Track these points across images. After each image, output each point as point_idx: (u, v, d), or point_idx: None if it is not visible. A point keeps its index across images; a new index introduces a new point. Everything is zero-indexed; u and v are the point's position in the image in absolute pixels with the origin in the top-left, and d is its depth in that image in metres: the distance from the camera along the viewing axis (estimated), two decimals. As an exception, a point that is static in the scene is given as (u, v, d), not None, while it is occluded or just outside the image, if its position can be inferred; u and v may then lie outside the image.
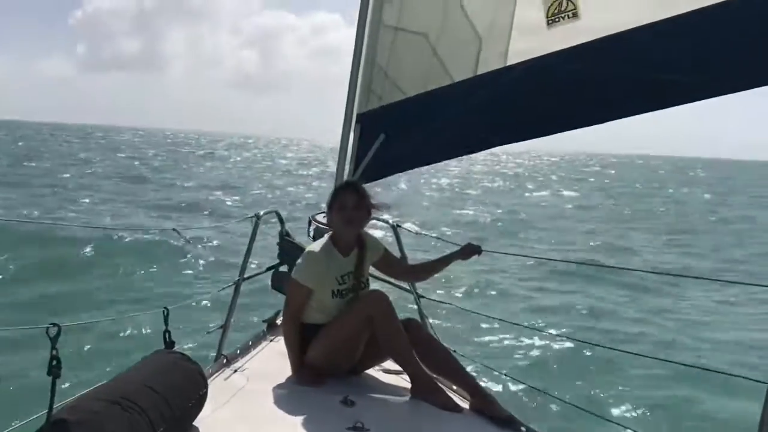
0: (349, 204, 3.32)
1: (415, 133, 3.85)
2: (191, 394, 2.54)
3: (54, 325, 1.91)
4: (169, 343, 2.84)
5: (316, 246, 3.38)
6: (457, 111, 3.60)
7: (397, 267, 3.68)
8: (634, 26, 2.78)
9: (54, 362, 1.92)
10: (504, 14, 3.23)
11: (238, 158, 67.32)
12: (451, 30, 3.54)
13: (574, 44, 2.97)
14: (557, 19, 2.99)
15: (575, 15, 2.94)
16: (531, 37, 3.13)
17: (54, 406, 1.94)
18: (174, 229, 3.55)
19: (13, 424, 2.39)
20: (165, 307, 2.84)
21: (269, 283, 4.31)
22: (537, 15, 3.06)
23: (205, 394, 2.64)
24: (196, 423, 2.57)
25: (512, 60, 3.23)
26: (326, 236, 3.45)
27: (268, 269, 4.34)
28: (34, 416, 2.19)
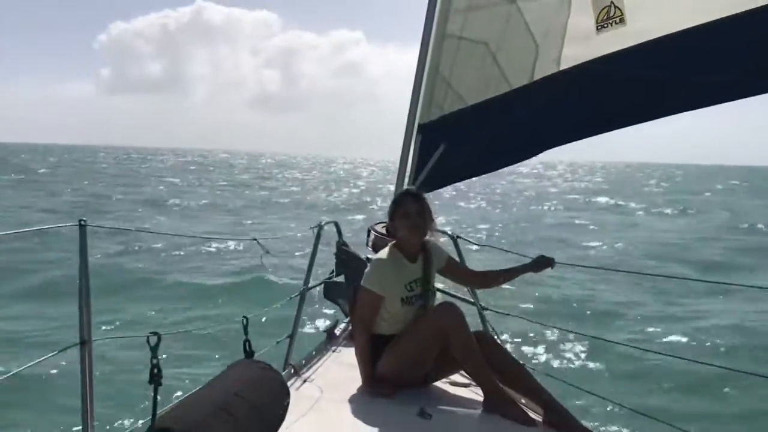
0: (413, 211, 3.34)
1: (474, 142, 3.88)
2: (278, 404, 2.54)
3: (154, 333, 1.92)
4: (249, 353, 2.85)
5: (383, 254, 3.40)
6: (515, 117, 3.65)
7: (464, 272, 3.66)
8: (677, 30, 2.88)
9: (155, 370, 1.92)
10: (559, 22, 3.31)
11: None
12: (511, 38, 3.57)
13: (621, 48, 3.08)
14: (606, 25, 3.11)
15: (622, 21, 3.06)
16: (582, 43, 3.23)
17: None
18: (255, 239, 3.63)
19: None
20: (244, 317, 2.86)
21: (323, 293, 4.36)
22: (588, 22, 3.16)
23: (288, 404, 2.65)
24: None
25: (564, 65, 3.31)
26: (390, 245, 3.46)
27: (327, 280, 4.39)
28: (138, 423, 2.22)
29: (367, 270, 3.39)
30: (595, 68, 3.17)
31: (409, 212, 3.34)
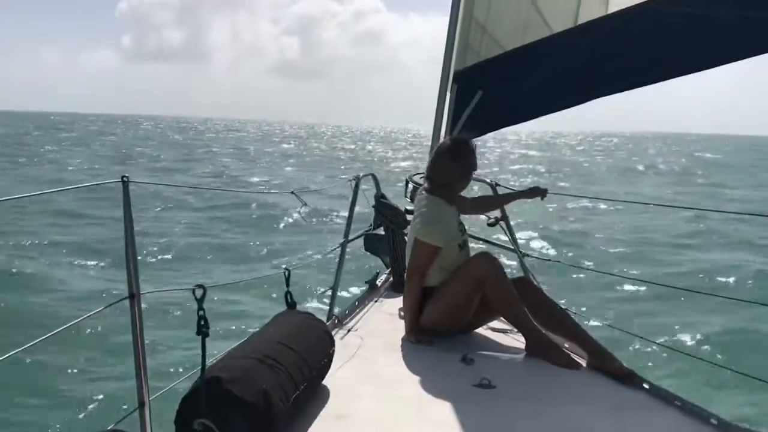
0: (474, 163, 3.34)
1: (513, 89, 3.77)
2: (323, 353, 2.59)
3: (200, 286, 1.93)
4: (291, 304, 2.89)
5: (431, 206, 3.35)
6: (558, 63, 3.48)
7: (463, 201, 3.64)
8: None
9: (202, 322, 1.94)
10: None
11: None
12: None
13: None
14: None
15: None
16: None
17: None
18: (293, 192, 3.64)
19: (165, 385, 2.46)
20: (286, 268, 2.88)
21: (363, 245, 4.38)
22: None
23: (333, 352, 2.70)
24: (324, 382, 2.62)
25: (614, 6, 3.08)
26: (429, 194, 3.39)
27: (367, 231, 4.40)
28: (188, 374, 2.30)
29: (421, 222, 3.32)
30: (650, 9, 2.92)
31: (473, 164, 3.34)
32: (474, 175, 3.46)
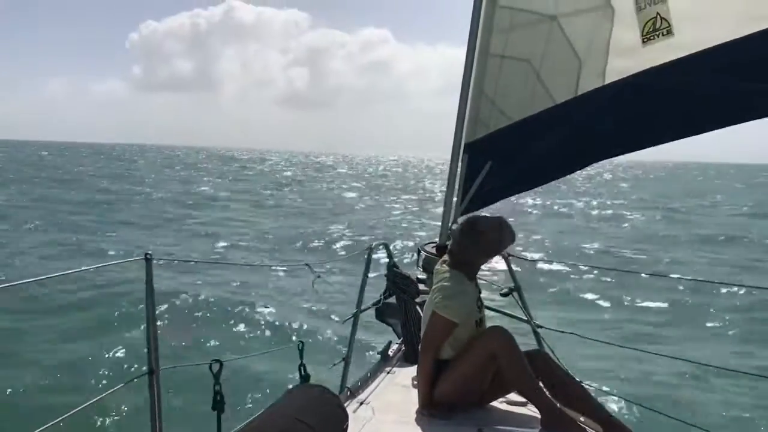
0: (498, 240, 3.39)
1: (520, 158, 3.88)
2: (337, 427, 2.58)
3: (216, 361, 1.98)
4: (305, 376, 2.88)
5: (454, 281, 3.36)
6: (561, 131, 3.63)
7: None
8: (728, 40, 2.79)
9: (218, 397, 1.99)
10: (602, 36, 3.28)
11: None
12: (553, 54, 3.58)
13: (669, 60, 3.00)
14: (652, 37, 3.04)
15: (669, 32, 2.98)
16: (627, 56, 3.18)
17: None
18: (306, 264, 3.69)
19: None
20: (300, 341, 2.90)
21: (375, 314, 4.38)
22: (632, 34, 3.11)
23: (347, 428, 2.68)
24: None
25: (610, 78, 3.27)
26: (452, 270, 3.40)
27: (379, 301, 4.40)
28: None
29: (441, 297, 3.31)
30: (643, 81, 3.11)
31: (493, 242, 3.38)
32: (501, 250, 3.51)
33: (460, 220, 3.50)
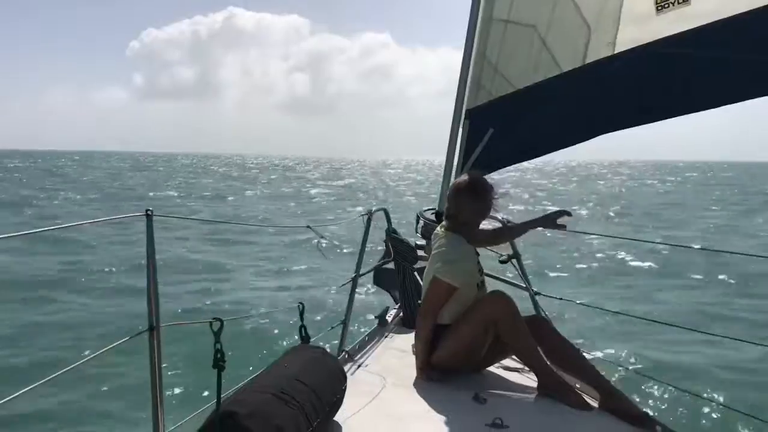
0: (492, 202, 3.35)
1: (523, 126, 3.82)
2: (336, 389, 2.60)
3: (217, 319, 1.97)
4: (305, 338, 2.90)
5: (453, 244, 3.34)
6: (565, 101, 3.55)
7: (477, 235, 3.55)
8: (746, 10, 2.65)
9: (218, 355, 1.97)
10: (613, 2, 3.16)
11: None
12: (560, 20, 3.49)
13: (684, 30, 2.86)
14: (666, 5, 2.90)
15: (685, 1, 2.84)
16: (639, 25, 3.05)
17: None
18: (308, 226, 3.68)
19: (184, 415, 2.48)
20: (300, 303, 2.89)
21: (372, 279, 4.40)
22: (646, 2, 2.99)
23: (345, 389, 2.71)
24: (336, 418, 2.63)
25: (620, 48, 3.15)
26: (449, 231, 3.39)
27: (377, 266, 4.42)
28: (203, 408, 2.30)
29: (442, 261, 3.30)
30: (655, 51, 2.98)
31: (491, 202, 3.34)
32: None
33: (457, 182, 3.42)
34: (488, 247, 3.81)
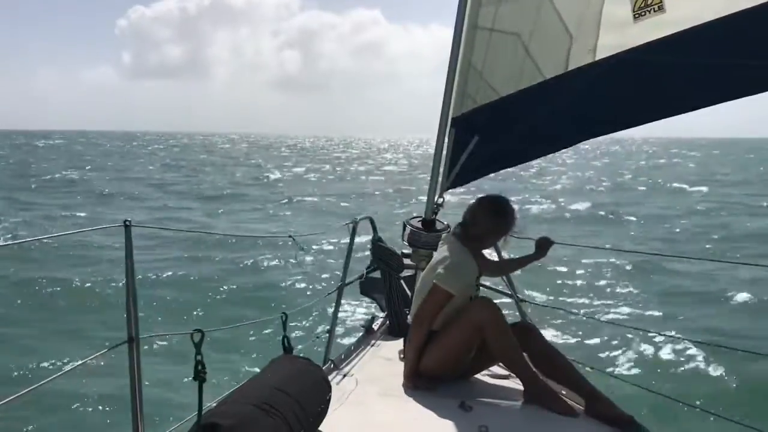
0: (512, 224, 3.45)
1: (507, 133, 3.86)
2: (320, 398, 2.57)
3: (198, 330, 1.93)
4: (288, 348, 2.87)
5: (460, 254, 3.36)
6: (549, 107, 3.59)
7: (486, 262, 3.66)
8: (719, 17, 2.74)
9: (199, 367, 1.94)
10: (592, 10, 3.22)
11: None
12: (543, 28, 3.53)
13: (661, 36, 2.94)
14: (643, 13, 2.98)
15: (660, 8, 2.92)
16: (618, 32, 3.12)
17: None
18: (290, 236, 3.66)
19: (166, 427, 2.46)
20: (283, 313, 2.87)
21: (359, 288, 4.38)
22: (623, 10, 3.06)
23: (330, 398, 2.68)
24: (321, 428, 2.58)
25: (601, 54, 3.21)
26: (460, 244, 3.41)
27: (363, 275, 4.40)
28: (184, 420, 2.27)
29: (445, 268, 3.29)
30: (633, 57, 3.05)
31: (509, 225, 3.44)
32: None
33: (481, 196, 3.51)
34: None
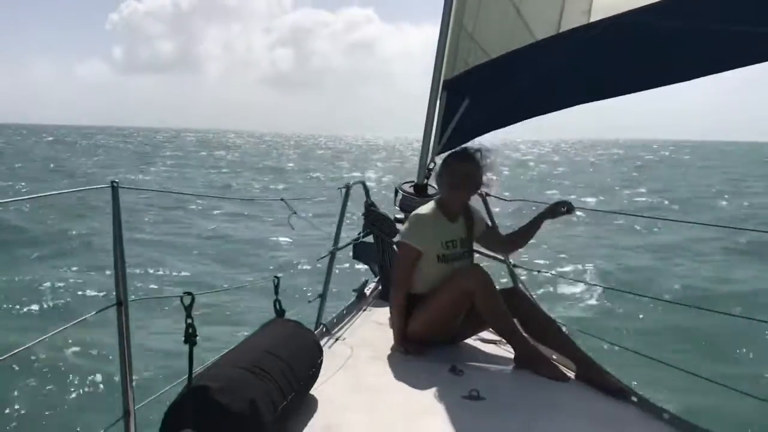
0: (462, 171, 3.31)
1: (498, 95, 3.81)
2: (311, 362, 2.58)
3: (188, 293, 1.93)
4: (280, 312, 2.87)
5: (423, 210, 3.38)
6: (540, 70, 3.53)
7: (497, 240, 3.58)
8: None
9: (190, 330, 1.93)
10: None
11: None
12: None
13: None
14: None
15: None
16: None
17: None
18: (282, 199, 3.62)
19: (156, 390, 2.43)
20: (275, 276, 2.86)
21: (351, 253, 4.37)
22: None
23: (321, 362, 2.70)
24: (312, 392, 2.62)
25: (596, 16, 3.07)
26: (432, 202, 3.43)
27: (355, 240, 4.40)
28: (175, 383, 2.27)
29: (405, 225, 3.38)
30: (632, 19, 2.88)
31: (456, 171, 3.32)
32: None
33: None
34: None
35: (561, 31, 3.26)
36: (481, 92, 3.88)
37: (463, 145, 3.51)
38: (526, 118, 3.99)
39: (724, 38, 2.76)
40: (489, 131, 4.14)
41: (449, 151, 3.50)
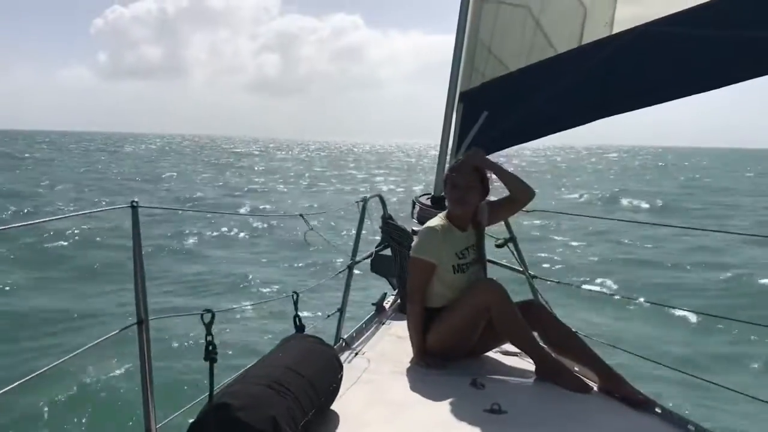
0: (461, 183, 3.27)
1: (518, 109, 3.76)
2: (332, 377, 2.57)
3: (208, 311, 1.93)
4: (300, 327, 2.86)
5: (432, 222, 3.36)
6: (562, 83, 3.47)
7: (501, 206, 3.45)
8: None
9: (210, 347, 1.94)
10: None
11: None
12: (555, 0, 3.41)
13: (685, 8, 2.76)
14: None
15: None
16: (637, 3, 2.96)
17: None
18: (300, 215, 3.63)
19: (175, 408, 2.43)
20: (294, 292, 2.85)
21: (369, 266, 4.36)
22: None
23: (341, 377, 2.68)
24: (333, 407, 2.59)
25: (618, 28, 3.05)
26: (442, 214, 3.41)
27: (374, 253, 4.37)
28: (195, 401, 2.25)
29: (416, 239, 3.37)
30: (656, 30, 2.87)
31: (457, 183, 3.27)
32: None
33: None
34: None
35: (583, 43, 3.22)
36: (500, 105, 3.83)
37: (461, 157, 3.45)
38: (547, 134, 3.93)
39: (748, 47, 2.71)
40: (509, 146, 4.10)
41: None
